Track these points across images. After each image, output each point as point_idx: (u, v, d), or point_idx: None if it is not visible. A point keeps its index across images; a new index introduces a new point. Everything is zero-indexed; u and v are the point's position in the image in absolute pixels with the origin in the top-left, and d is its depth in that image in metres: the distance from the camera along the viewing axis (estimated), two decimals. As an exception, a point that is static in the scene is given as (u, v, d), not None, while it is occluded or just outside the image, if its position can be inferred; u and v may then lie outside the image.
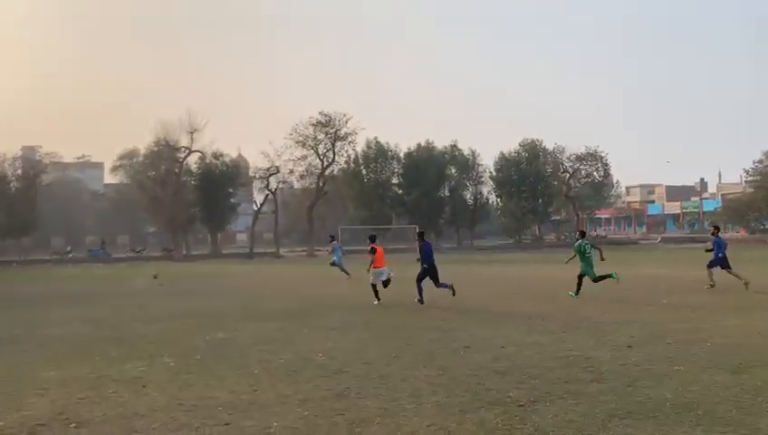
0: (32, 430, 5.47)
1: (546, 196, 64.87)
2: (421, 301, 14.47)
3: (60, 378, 7.50)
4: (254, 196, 63.28)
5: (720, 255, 16.18)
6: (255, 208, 61.46)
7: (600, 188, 67.02)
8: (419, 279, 14.92)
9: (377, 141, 62.87)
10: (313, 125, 54.92)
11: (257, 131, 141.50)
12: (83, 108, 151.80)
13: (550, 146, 65.11)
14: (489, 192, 67.91)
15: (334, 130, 55.19)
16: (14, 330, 11.71)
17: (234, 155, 62.84)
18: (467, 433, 5.11)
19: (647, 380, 6.73)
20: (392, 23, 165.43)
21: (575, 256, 15.40)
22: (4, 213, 51.91)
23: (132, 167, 58.64)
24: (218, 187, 58.18)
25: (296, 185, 60.43)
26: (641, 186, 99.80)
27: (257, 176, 58.24)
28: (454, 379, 6.94)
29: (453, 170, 65.43)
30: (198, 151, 56.71)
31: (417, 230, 17.83)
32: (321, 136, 55.40)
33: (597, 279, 15.10)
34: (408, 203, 62.26)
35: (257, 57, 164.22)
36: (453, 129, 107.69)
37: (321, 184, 55.97)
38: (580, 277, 15.04)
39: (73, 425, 5.58)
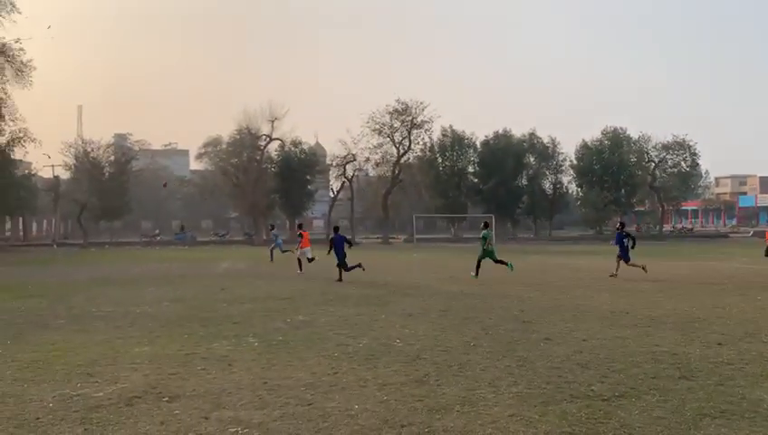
0: (128, 401, 5.78)
1: (629, 186, 62.41)
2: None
3: (152, 354, 7.90)
4: (331, 183, 64.18)
5: None
6: (332, 195, 62.35)
7: (688, 179, 63.82)
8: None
9: (452, 129, 62.34)
10: (390, 113, 55.03)
11: (335, 120, 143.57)
12: (171, 98, 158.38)
13: (634, 134, 62.72)
14: (569, 182, 66.09)
15: (410, 118, 55.08)
16: (109, 308, 12.41)
17: (312, 143, 64.00)
18: (550, 425, 5.02)
19: (740, 379, 6.41)
20: (469, 9, 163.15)
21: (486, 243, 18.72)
22: (97, 197, 54.93)
23: (216, 154, 60.51)
24: (297, 174, 59.32)
25: (372, 173, 60.77)
26: (732, 176, 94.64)
27: (334, 163, 59.01)
28: (534, 370, 6.83)
29: (531, 159, 63.98)
30: (278, 139, 58.04)
31: (333, 226, 22.00)
32: (397, 124, 55.45)
33: (498, 261, 18.63)
34: (485, 192, 61.44)
35: (337, 48, 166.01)
36: (532, 117, 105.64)
37: (396, 172, 56.08)
38: (499, 262, 18.56)
39: (166, 398, 5.87)
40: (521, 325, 9.81)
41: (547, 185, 65.07)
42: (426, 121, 55.69)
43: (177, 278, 19.57)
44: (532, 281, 17.28)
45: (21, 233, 63.71)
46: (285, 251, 28.78)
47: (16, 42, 36.35)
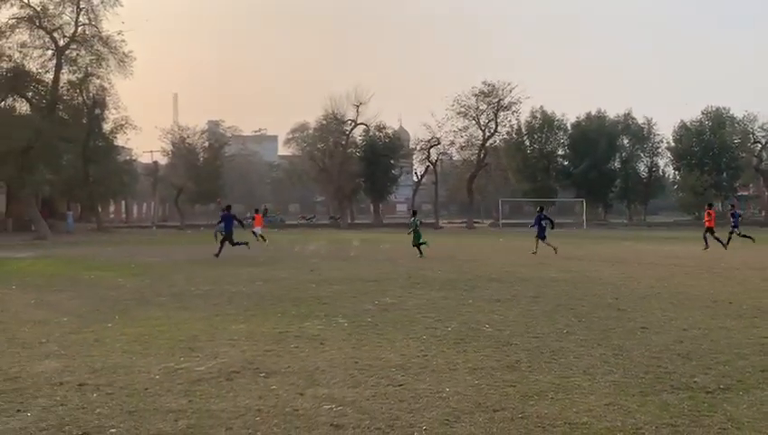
0: (228, 376, 6.04)
1: (732, 169, 58.76)
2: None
3: (248, 331, 8.21)
4: (415, 167, 64.16)
5: None
6: (416, 180, 62.38)
7: (799, 161, 59.39)
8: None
9: (542, 110, 60.69)
10: (476, 95, 54.21)
11: (419, 104, 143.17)
12: (261, 85, 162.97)
13: (738, 114, 58.84)
14: (666, 164, 62.99)
15: (497, 99, 54.05)
16: (206, 286, 12.99)
17: (396, 127, 64.15)
18: (650, 416, 4.83)
19: None
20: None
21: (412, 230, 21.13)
22: (193, 181, 57.47)
23: (303, 139, 61.91)
24: (381, 158, 59.65)
25: (456, 156, 60.25)
26: None
27: (418, 147, 58.93)
28: (631, 359, 6.58)
29: (625, 141, 61.38)
30: (363, 124, 58.52)
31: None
32: (483, 106, 54.59)
33: (416, 245, 20.45)
34: (575, 175, 59.56)
35: (420, 31, 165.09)
36: (627, 96, 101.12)
37: (482, 155, 55.30)
38: (416, 246, 20.42)
39: (263, 374, 6.08)
40: (616, 313, 9.48)
41: (642, 168, 62.29)
42: (513, 103, 54.59)
43: (269, 259, 20.21)
44: (625, 268, 16.66)
45: (123, 215, 67.79)
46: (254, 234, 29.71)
47: (119, 34, 38.41)
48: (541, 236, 21.41)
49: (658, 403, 5.13)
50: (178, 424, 4.72)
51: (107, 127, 47.04)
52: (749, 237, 24.35)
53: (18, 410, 5.04)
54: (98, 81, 40.11)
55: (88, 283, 13.97)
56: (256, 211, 29.30)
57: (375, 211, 64.68)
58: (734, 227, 23.94)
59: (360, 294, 11.64)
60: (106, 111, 45.38)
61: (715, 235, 23.06)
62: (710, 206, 25.10)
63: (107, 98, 42.88)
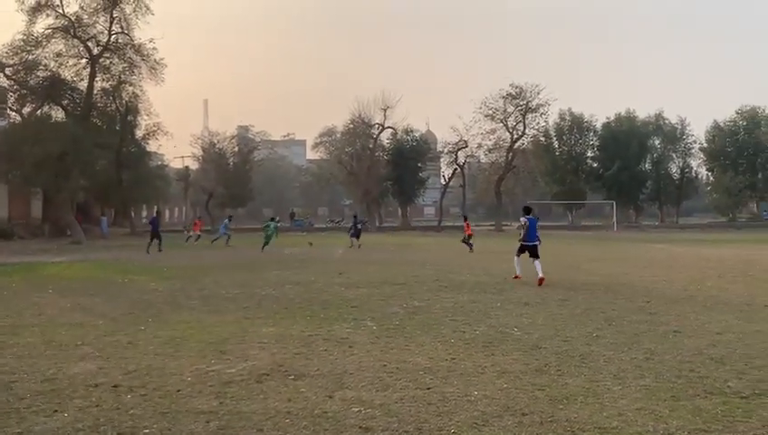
0: (258, 378, 6.11)
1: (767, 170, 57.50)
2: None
3: (277, 334, 8.29)
4: (443, 170, 64.04)
5: None
6: (443, 182, 62.22)
7: (838, 161, 57.82)
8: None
9: (571, 112, 60.12)
10: (503, 97, 53.93)
11: (447, 107, 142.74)
12: (290, 90, 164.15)
13: (774, 113, 57.52)
14: (699, 165, 61.88)
15: (525, 101, 53.69)
16: (236, 290, 13.14)
17: (423, 130, 64.09)
18: (682, 421, 4.76)
19: None
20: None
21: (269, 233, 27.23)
22: (223, 185, 58.17)
23: (331, 143, 62.23)
24: (408, 161, 59.68)
25: (484, 159, 59.95)
26: None
27: (445, 150, 58.80)
28: (663, 363, 6.49)
29: (657, 142, 60.48)
30: (391, 127, 58.61)
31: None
32: (510, 108, 54.28)
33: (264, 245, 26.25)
34: (605, 177, 58.81)
35: (448, 34, 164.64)
36: (658, 97, 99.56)
37: (509, 157, 54.94)
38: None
39: (292, 377, 6.15)
40: (647, 317, 9.34)
41: (674, 169, 61.36)
42: (541, 105, 54.16)
43: (297, 262, 20.36)
44: (657, 271, 16.41)
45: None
46: (193, 237, 34.82)
47: (150, 41, 39.14)
48: (353, 235, 27.09)
49: (691, 408, 5.06)
50: (210, 425, 4.80)
51: (139, 133, 47.99)
52: None
53: (55, 411, 5.18)
54: (130, 88, 40.91)
55: (122, 287, 14.24)
56: (198, 217, 37.59)
57: (403, 214, 64.71)
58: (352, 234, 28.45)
59: (388, 298, 11.66)
60: (138, 118, 46.29)
61: None
62: None
63: (139, 104, 43.68)
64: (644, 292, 12.15)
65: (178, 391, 5.71)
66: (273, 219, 29.61)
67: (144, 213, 67.19)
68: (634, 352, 7.03)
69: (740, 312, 9.70)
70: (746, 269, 16.43)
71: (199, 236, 35.06)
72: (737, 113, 58.41)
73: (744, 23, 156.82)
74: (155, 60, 39.42)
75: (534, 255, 13.92)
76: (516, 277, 14.25)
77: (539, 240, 14.26)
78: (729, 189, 55.20)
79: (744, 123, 57.45)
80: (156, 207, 54.10)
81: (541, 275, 13.37)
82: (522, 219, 14.39)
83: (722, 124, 58.68)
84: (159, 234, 27.38)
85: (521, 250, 14.34)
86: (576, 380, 5.92)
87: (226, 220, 35.04)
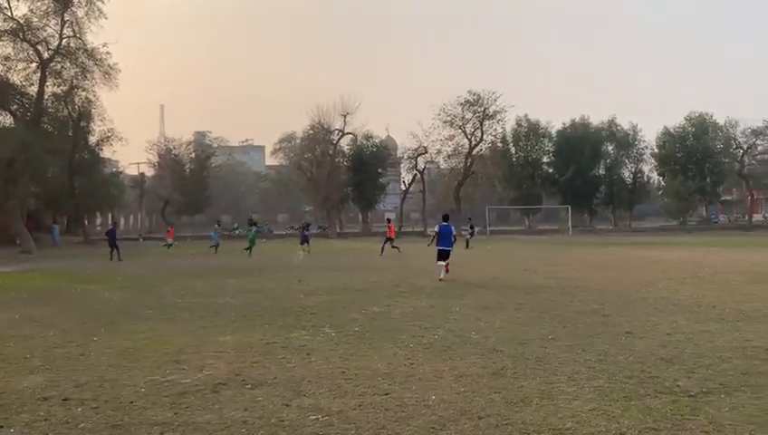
0: (214, 388, 6.03)
1: (715, 174, 59.44)
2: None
3: (234, 343, 8.19)
4: (403, 176, 64.35)
5: None
6: (403, 188, 62.50)
7: (780, 166, 60.22)
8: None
9: (527, 118, 61.13)
10: (461, 104, 54.60)
11: (406, 113, 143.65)
12: (249, 97, 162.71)
13: (721, 120, 59.60)
14: (650, 170, 63.61)
15: (483, 108, 54.47)
16: (193, 299, 12.94)
17: (383, 136, 64.30)
18: (633, 420, 4.88)
19: (842, 377, 6.01)
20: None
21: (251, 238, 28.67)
22: (179, 192, 57.24)
23: (291, 149, 61.99)
24: (368, 167, 59.73)
25: (443, 165, 60.56)
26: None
27: (405, 156, 59.14)
28: (615, 364, 6.65)
29: (610, 147, 61.93)
30: (350, 133, 58.58)
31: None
32: (469, 115, 54.98)
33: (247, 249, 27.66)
34: (561, 182, 59.97)
35: (407, 40, 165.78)
36: (611, 104, 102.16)
37: (468, 163, 55.57)
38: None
39: (249, 386, 6.08)
40: (601, 319, 9.56)
41: (626, 174, 62.88)
42: (498, 112, 55.00)
43: (256, 270, 20.15)
44: (610, 273, 16.79)
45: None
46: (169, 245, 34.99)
47: (103, 46, 38.32)
48: (301, 240, 28.91)
49: (642, 408, 5.19)
50: (164, 437, 4.71)
51: (93, 139, 46.93)
52: None
53: (1, 427, 5.01)
54: (83, 93, 39.99)
55: (74, 296, 13.87)
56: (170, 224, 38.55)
57: (363, 220, 64.71)
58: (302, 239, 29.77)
59: (347, 304, 11.64)
60: (92, 124, 45.26)
61: None
62: None
63: (92, 110, 42.72)
64: (598, 294, 12.42)
65: (132, 402, 5.59)
66: (255, 224, 30.54)
67: (98, 220, 65.65)
68: (588, 353, 7.18)
69: (689, 313, 10.00)
70: (696, 271, 16.95)
71: (171, 244, 35.25)
72: (686, 120, 60.27)
73: (691, 32, 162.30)
74: (108, 65, 38.65)
75: (444, 258, 15.61)
76: (440, 280, 15.15)
77: (452, 245, 15.92)
78: (679, 193, 56.87)
79: (693, 129, 59.28)
80: (112, 217, 53.19)
81: (441, 276, 15.16)
82: (436, 227, 16.17)
83: (672, 130, 60.44)
84: (117, 244, 27.43)
85: (439, 255, 15.78)
86: (532, 382, 6.02)
87: (216, 226, 35.22)
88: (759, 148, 59.09)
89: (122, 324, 9.86)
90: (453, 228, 16.47)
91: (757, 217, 63.18)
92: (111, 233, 28.81)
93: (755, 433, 4.62)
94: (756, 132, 57.99)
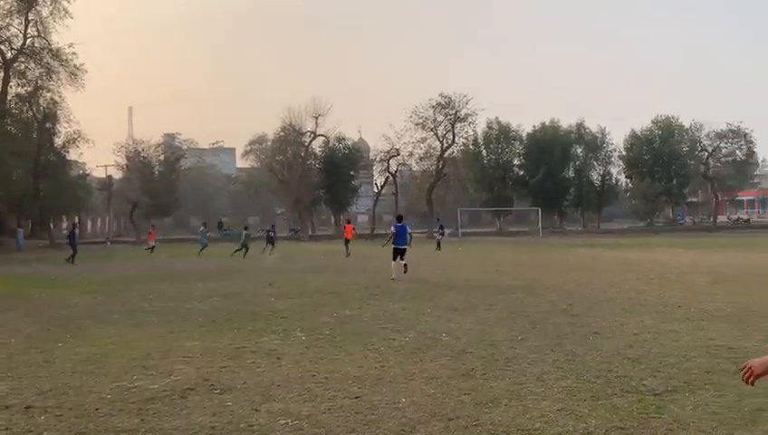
0: (182, 393, 5.94)
1: (681, 176, 60.75)
2: None
3: (203, 348, 8.08)
4: (375, 178, 64.42)
5: None
6: (376, 190, 62.53)
7: (743, 168, 61.79)
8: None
9: (498, 121, 61.70)
10: (433, 107, 54.93)
11: (378, 115, 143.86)
12: (217, 98, 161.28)
13: (686, 123, 60.93)
14: (618, 172, 64.74)
15: (454, 111, 54.85)
16: (161, 303, 12.75)
17: (355, 138, 64.29)
18: (600, 419, 4.94)
19: (802, 374, 6.16)
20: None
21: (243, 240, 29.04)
22: (148, 195, 56.41)
23: (262, 151, 61.48)
24: (341, 169, 59.66)
25: (416, 167, 60.76)
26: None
27: (378, 158, 59.22)
28: (583, 364, 6.73)
29: (579, 150, 62.86)
30: (322, 135, 58.50)
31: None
32: (440, 118, 55.31)
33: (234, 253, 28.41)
34: (531, 184, 60.64)
35: (379, 42, 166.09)
36: (581, 106, 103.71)
37: (440, 166, 55.87)
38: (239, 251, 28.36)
39: (218, 391, 6.01)
40: (569, 319, 9.67)
41: (595, 176, 63.91)
42: (470, 114, 55.45)
43: (226, 273, 19.96)
44: (579, 274, 17.01)
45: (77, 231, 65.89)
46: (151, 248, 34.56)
47: (69, 46, 37.66)
48: (241, 247, 28.58)
49: (608, 407, 5.26)
50: (130, 444, 4.63)
51: (59, 141, 46.00)
52: None
53: (-40, 436, 4.88)
54: (48, 94, 39.26)
55: (38, 301, 13.57)
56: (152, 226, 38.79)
57: (336, 223, 64.56)
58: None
59: (318, 307, 11.59)
60: (57, 125, 44.39)
61: None
62: None
63: (58, 111, 41.95)
64: (566, 295, 12.57)
65: (97, 409, 5.48)
66: (245, 228, 30.99)
67: (64, 224, 64.34)
68: (556, 354, 7.25)
69: (655, 312, 10.17)
70: (662, 271, 17.26)
71: (153, 246, 34.88)
72: (653, 123, 61.47)
73: (658, 35, 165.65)
74: (75, 65, 38.03)
75: (400, 256, 16.60)
76: (393, 279, 15.94)
77: (408, 244, 16.88)
78: (647, 195, 57.97)
79: (660, 132, 60.48)
80: (76, 218, 52.04)
81: (393, 276, 16.00)
82: (392, 227, 17.27)
83: (639, 133, 61.59)
84: (75, 247, 27.37)
85: (394, 253, 16.65)
86: (501, 383, 6.06)
87: (202, 228, 34.99)
88: (723, 150, 60.55)
89: (88, 330, 9.67)
90: (408, 228, 17.40)
91: (722, 219, 64.68)
92: (71, 235, 28.80)
93: (718, 430, 4.71)
94: (720, 135, 59.47)
